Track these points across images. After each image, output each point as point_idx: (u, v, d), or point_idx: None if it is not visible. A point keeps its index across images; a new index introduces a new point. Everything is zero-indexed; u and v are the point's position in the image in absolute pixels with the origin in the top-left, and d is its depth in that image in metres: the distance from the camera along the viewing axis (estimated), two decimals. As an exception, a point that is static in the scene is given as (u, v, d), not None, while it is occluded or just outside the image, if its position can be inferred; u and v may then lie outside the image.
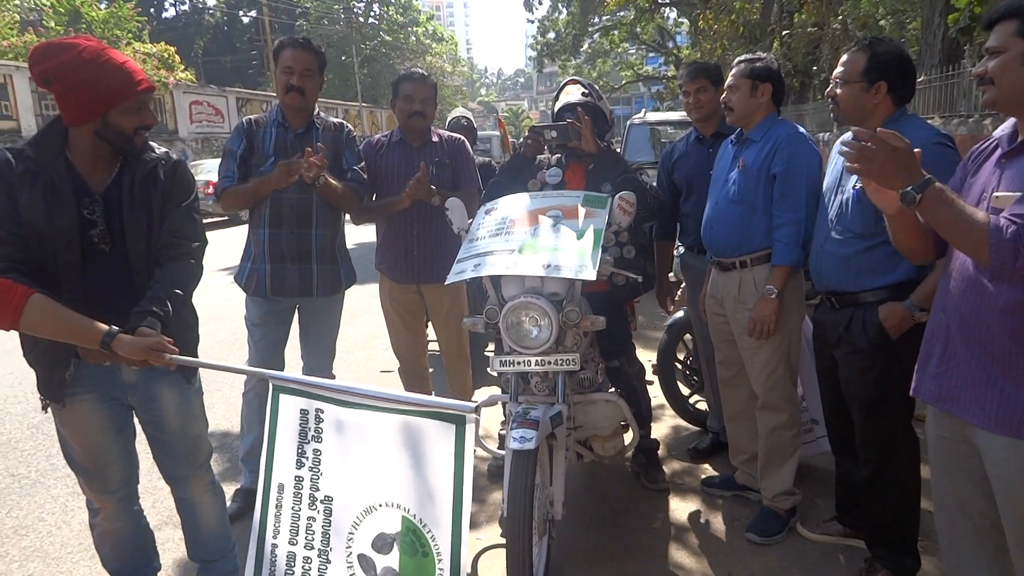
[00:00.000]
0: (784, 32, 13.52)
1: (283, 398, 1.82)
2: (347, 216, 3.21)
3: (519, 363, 2.43)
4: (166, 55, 22.05)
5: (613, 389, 3.06)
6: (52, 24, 20.32)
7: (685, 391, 3.81)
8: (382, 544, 1.75)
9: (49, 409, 2.06)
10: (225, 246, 11.50)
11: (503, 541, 2.24)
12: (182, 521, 2.35)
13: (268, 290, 2.94)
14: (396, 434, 1.71)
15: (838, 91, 2.28)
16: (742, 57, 2.77)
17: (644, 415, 3.10)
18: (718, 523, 2.90)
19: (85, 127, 1.90)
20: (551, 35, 26.34)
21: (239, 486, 3.13)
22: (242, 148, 2.92)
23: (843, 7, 12.19)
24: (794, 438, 2.80)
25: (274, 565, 1.84)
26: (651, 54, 30.69)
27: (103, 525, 2.20)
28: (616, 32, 25.81)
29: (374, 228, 3.43)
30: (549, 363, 2.42)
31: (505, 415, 2.69)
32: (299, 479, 1.81)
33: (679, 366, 3.84)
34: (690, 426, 3.79)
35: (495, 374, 2.56)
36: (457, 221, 2.66)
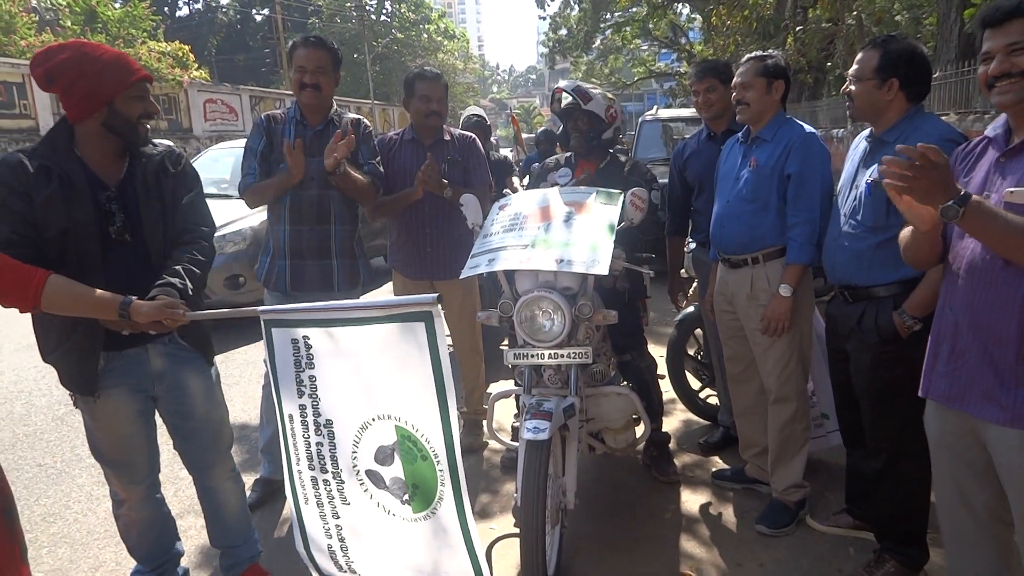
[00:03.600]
0: (798, 28, 13.47)
1: (275, 331, 1.91)
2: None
3: (532, 356, 2.48)
4: (180, 54, 22.20)
5: (625, 383, 3.10)
6: (68, 24, 20.51)
7: (695, 385, 3.85)
8: (383, 457, 1.85)
9: (78, 404, 2.13)
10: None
11: (516, 531, 2.29)
12: (204, 509, 2.42)
13: (288, 286, 2.98)
14: (374, 344, 1.78)
15: (852, 88, 2.30)
16: (751, 55, 2.79)
17: (656, 408, 3.14)
18: (728, 515, 2.94)
19: (91, 121, 1.98)
20: (563, 32, 26.32)
21: (259, 476, 3.21)
22: (262, 145, 2.96)
23: (858, 3, 12.11)
24: (804, 431, 2.84)
25: (304, 487, 1.98)
26: (663, 50, 30.54)
27: (129, 515, 2.27)
28: (628, 28, 25.72)
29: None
30: (562, 356, 2.46)
31: (518, 407, 2.74)
32: (303, 407, 1.92)
33: (690, 361, 3.87)
34: (701, 420, 3.82)
35: (509, 366, 2.61)
36: (471, 216, 2.71)
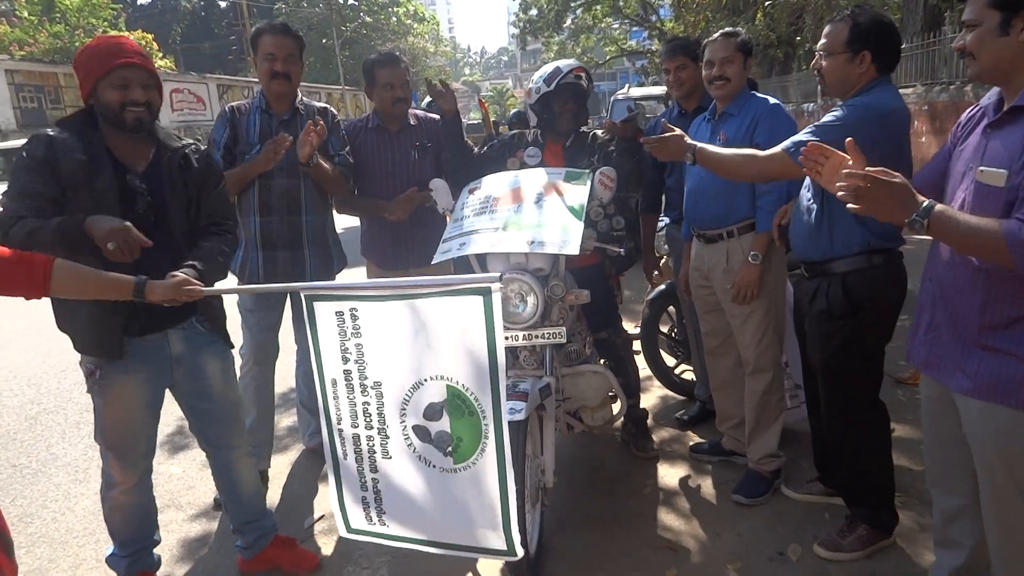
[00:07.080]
0: (767, 3, 13.49)
1: (317, 305, 1.97)
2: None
3: (507, 338, 2.48)
4: (144, 43, 21.72)
5: (602, 361, 3.12)
6: (26, 14, 19.95)
7: (670, 362, 3.89)
8: (432, 412, 1.95)
9: (91, 388, 2.16)
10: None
11: (497, 510, 2.30)
12: (223, 488, 2.47)
13: (261, 278, 2.95)
14: (431, 315, 1.87)
15: (823, 63, 2.27)
16: (725, 31, 2.78)
17: (632, 385, 3.17)
18: (706, 487, 2.99)
19: (97, 108, 2.06)
20: (533, 12, 26.10)
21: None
22: (226, 136, 2.91)
23: (825, -24, 12.16)
24: (779, 402, 2.89)
25: (344, 443, 2.07)
26: (634, 28, 30.45)
27: (119, 498, 2.29)
28: (599, 7, 25.59)
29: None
30: (536, 337, 2.48)
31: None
32: (347, 372, 2.00)
33: (663, 337, 3.91)
34: (677, 396, 3.87)
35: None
36: (442, 201, 2.70)
